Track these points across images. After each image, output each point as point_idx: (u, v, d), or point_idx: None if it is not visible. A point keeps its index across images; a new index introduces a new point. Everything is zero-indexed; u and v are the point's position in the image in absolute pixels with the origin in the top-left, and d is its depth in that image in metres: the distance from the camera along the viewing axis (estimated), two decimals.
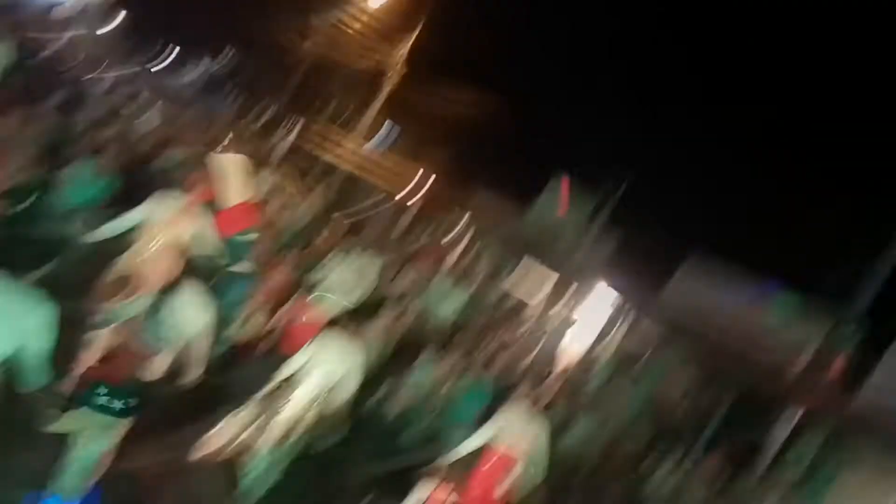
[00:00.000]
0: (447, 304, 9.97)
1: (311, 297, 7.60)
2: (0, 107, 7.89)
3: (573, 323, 13.68)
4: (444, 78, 21.86)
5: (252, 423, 5.48)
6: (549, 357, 10.83)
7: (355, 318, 6.66)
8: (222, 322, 7.26)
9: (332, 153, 23.48)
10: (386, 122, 27.77)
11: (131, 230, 5.98)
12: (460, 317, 10.06)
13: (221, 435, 5.27)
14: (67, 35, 21.25)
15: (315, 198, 11.21)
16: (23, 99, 8.62)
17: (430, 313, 9.18)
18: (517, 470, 6.41)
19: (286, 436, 5.55)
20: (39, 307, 3.32)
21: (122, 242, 6.02)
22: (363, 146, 27.06)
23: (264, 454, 5.52)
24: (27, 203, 7.20)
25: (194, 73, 29.42)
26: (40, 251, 4.07)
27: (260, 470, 5.56)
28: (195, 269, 5.00)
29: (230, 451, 5.35)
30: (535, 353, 10.36)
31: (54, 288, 3.84)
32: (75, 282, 5.68)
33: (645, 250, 14.20)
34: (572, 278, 14.57)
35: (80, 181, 7.11)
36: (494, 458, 6.39)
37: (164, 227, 5.97)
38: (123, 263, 5.94)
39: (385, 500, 5.83)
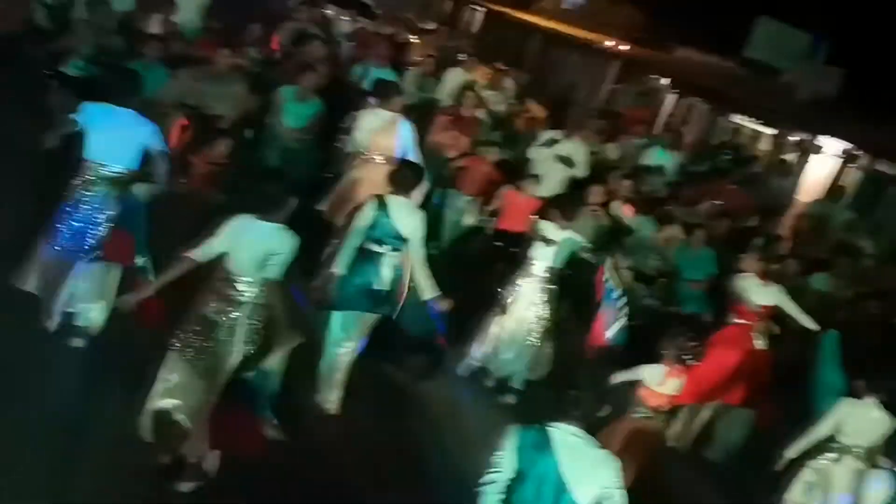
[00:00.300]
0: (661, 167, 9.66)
1: (522, 182, 7.73)
2: (211, 45, 8.45)
3: (799, 178, 12.73)
4: None
5: None
6: (776, 215, 10.19)
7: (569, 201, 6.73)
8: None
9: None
10: None
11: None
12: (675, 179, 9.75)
13: None
14: None
15: (509, 82, 11.10)
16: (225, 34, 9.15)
17: (643, 180, 8.94)
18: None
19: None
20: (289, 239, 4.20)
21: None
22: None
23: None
24: (252, 136, 7.82)
25: None
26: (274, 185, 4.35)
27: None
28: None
29: None
30: (759, 214, 9.79)
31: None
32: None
33: (871, 91, 12.74)
34: (792, 130, 13.42)
35: (288, 107, 7.50)
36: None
37: (376, 140, 6.27)
38: (347, 180, 6.36)
39: None
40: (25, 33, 8.11)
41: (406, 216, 5.13)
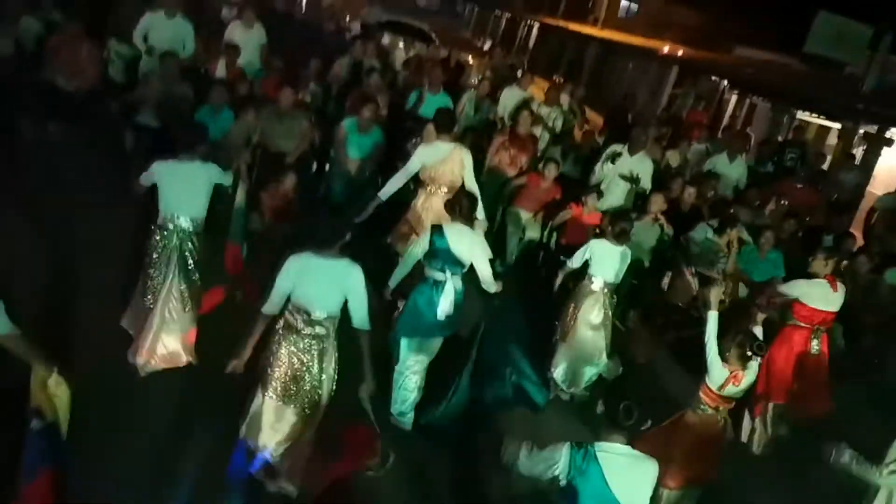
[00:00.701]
0: (728, 173, 9.61)
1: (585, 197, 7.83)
2: (274, 83, 8.81)
3: (870, 171, 12.42)
4: None
5: None
6: (847, 211, 9.99)
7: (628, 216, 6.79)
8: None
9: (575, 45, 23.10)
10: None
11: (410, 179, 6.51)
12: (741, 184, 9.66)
13: None
14: None
15: (564, 97, 11.17)
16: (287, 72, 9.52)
17: (708, 185, 8.90)
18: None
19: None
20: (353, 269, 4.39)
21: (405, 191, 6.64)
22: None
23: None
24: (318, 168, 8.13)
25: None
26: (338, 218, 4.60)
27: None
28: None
29: None
30: (828, 211, 9.62)
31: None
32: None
33: None
34: (860, 123, 13.09)
35: (351, 139, 7.76)
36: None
37: (435, 170, 6.44)
38: (411, 210, 6.55)
39: None
40: (102, 88, 8.58)
41: (465, 243, 5.28)
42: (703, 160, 10.35)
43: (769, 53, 17.77)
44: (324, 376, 4.51)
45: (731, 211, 8.35)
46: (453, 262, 5.25)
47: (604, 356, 6.31)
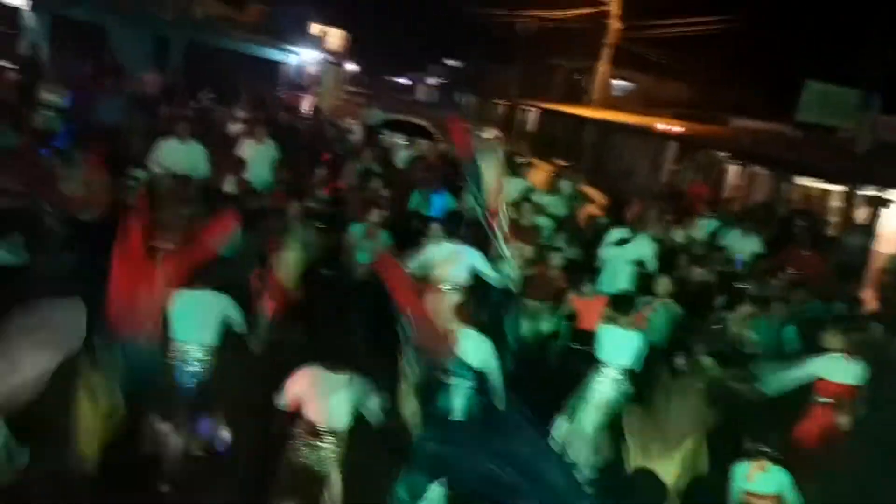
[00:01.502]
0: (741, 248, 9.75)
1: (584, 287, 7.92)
2: (282, 195, 9.06)
3: (874, 233, 12.50)
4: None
5: None
6: (856, 275, 10.04)
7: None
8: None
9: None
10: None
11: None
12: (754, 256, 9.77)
13: None
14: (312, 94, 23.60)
15: (565, 183, 11.42)
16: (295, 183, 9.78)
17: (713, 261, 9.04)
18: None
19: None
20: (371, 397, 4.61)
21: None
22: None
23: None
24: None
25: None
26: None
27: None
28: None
29: None
30: (837, 276, 9.67)
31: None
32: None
33: None
34: (858, 185, 13.26)
35: (360, 244, 7.97)
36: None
37: (441, 271, 6.57)
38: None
39: None
40: (117, 213, 8.81)
41: (474, 349, 5.36)
42: (710, 234, 10.53)
43: (763, 123, 18.15)
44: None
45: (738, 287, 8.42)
46: (463, 367, 5.31)
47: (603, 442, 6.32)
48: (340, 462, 4.65)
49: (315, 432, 4.55)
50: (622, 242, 8.75)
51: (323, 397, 4.49)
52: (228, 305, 5.59)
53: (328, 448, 4.57)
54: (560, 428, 6.39)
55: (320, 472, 4.56)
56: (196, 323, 5.43)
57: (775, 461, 4.91)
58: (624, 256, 8.63)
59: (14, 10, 22.20)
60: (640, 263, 8.55)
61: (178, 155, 9.13)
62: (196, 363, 5.45)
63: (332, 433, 4.57)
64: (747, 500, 4.92)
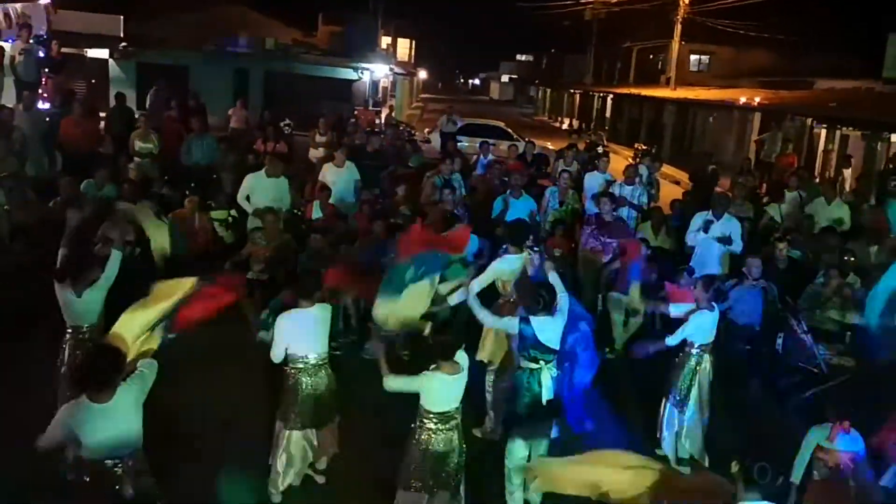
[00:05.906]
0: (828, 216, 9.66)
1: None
2: (366, 216, 9.32)
3: None
4: None
5: None
6: None
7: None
8: None
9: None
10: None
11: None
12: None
13: None
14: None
15: (643, 169, 11.33)
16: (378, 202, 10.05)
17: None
18: None
19: None
20: None
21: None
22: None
23: None
24: None
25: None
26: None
27: None
28: None
29: None
30: None
31: None
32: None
33: None
34: None
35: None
36: None
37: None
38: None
39: None
40: (213, 252, 9.25)
41: (550, 330, 5.44)
42: (799, 208, 10.28)
43: (851, 82, 17.45)
44: None
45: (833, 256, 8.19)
46: (545, 349, 5.42)
47: (704, 419, 6.34)
48: (460, 438, 5.01)
49: (444, 418, 4.91)
50: (707, 224, 8.64)
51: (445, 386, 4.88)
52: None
53: (453, 427, 4.94)
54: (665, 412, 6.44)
55: (449, 452, 4.92)
56: (310, 335, 5.63)
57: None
58: (711, 238, 8.53)
59: (101, 62, 23.55)
60: (727, 243, 8.45)
61: (265, 190, 9.42)
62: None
63: (454, 415, 4.95)
64: (823, 456, 5.02)
